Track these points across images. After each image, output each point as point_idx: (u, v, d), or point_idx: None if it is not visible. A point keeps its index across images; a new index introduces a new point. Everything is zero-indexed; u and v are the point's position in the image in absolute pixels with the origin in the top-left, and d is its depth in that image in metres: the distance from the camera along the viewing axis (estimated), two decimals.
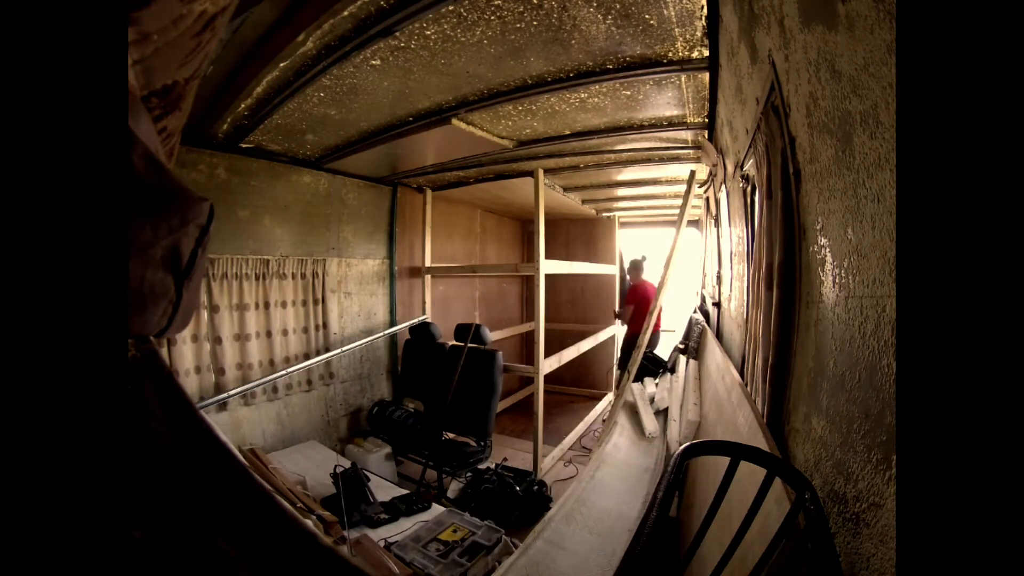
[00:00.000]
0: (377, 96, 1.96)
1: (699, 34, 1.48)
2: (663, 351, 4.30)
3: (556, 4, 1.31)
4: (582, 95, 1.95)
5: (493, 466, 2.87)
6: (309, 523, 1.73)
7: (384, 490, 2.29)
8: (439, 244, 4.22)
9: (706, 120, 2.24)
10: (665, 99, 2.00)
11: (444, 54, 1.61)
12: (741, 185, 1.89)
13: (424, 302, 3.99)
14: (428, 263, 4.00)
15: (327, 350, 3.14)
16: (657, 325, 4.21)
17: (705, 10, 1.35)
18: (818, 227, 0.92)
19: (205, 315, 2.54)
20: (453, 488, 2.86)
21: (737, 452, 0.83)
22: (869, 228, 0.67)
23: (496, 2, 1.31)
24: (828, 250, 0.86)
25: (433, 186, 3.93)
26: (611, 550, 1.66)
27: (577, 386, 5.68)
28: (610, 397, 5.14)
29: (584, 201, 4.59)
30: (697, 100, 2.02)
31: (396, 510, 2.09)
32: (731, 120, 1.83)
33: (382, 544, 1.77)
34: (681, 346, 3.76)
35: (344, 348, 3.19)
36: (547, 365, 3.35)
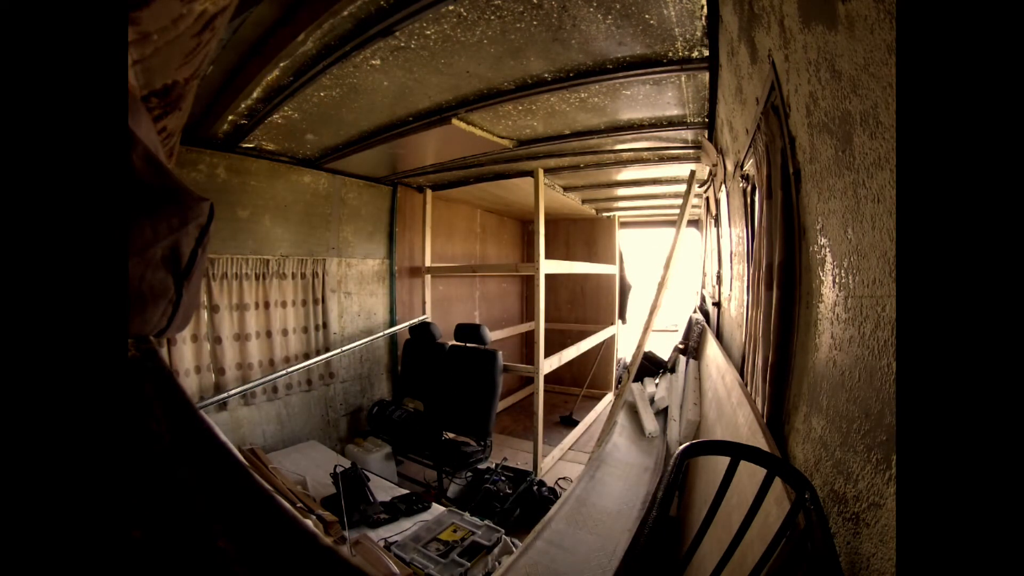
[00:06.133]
0: (377, 96, 1.96)
1: (699, 34, 1.48)
2: (661, 352, 4.30)
3: (556, 4, 1.31)
4: (582, 95, 1.95)
5: (493, 466, 2.87)
6: (309, 523, 1.73)
7: (384, 490, 2.29)
8: (439, 244, 4.22)
9: (706, 120, 2.24)
10: (665, 99, 2.00)
11: (444, 54, 1.61)
12: (741, 185, 1.89)
13: (424, 302, 3.99)
14: (428, 263, 3.99)
15: (327, 350, 3.14)
16: None
17: (705, 10, 1.35)
18: (818, 227, 0.92)
19: (205, 315, 2.54)
20: (453, 488, 2.86)
21: (737, 452, 0.83)
22: (869, 228, 0.67)
23: (496, 2, 1.31)
24: (828, 250, 0.86)
25: (433, 186, 3.93)
26: (611, 550, 1.66)
27: (577, 386, 5.68)
28: (610, 397, 5.14)
29: (584, 201, 4.59)
30: (697, 100, 2.02)
31: (396, 510, 2.09)
32: (731, 120, 1.83)
33: (382, 544, 1.77)
34: (681, 346, 3.76)
35: (344, 348, 3.19)
36: (547, 365, 3.35)
